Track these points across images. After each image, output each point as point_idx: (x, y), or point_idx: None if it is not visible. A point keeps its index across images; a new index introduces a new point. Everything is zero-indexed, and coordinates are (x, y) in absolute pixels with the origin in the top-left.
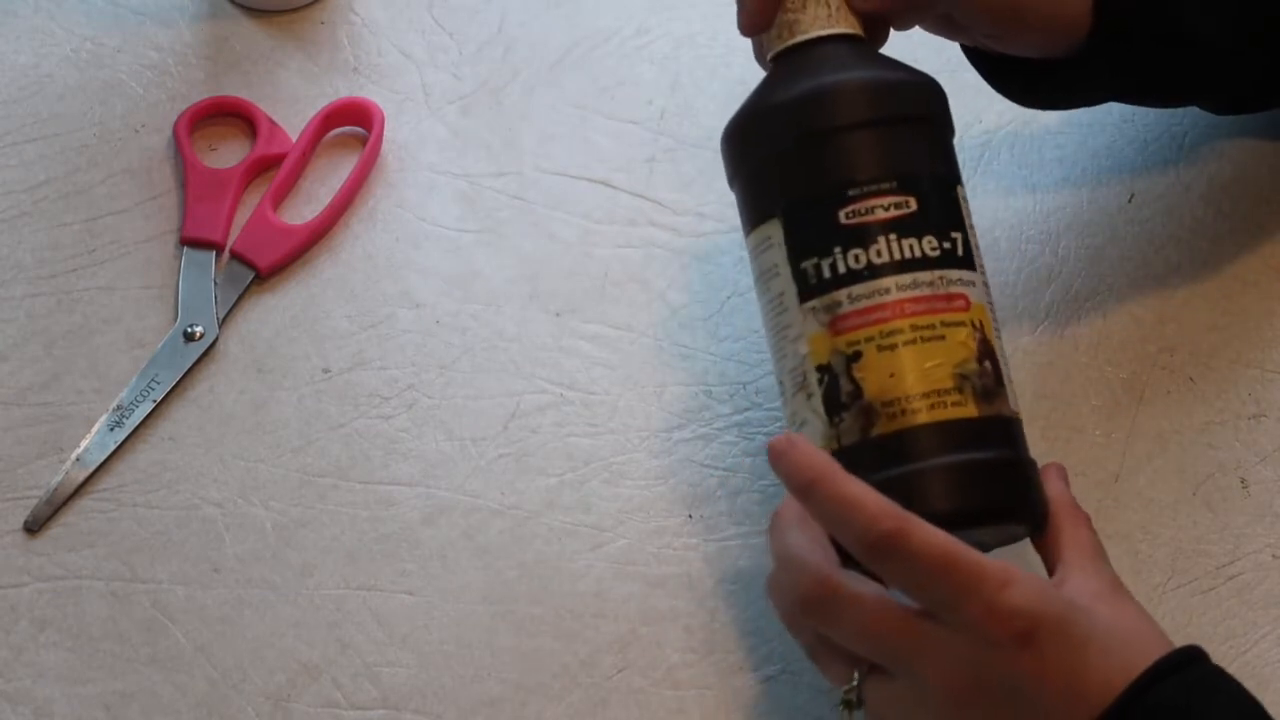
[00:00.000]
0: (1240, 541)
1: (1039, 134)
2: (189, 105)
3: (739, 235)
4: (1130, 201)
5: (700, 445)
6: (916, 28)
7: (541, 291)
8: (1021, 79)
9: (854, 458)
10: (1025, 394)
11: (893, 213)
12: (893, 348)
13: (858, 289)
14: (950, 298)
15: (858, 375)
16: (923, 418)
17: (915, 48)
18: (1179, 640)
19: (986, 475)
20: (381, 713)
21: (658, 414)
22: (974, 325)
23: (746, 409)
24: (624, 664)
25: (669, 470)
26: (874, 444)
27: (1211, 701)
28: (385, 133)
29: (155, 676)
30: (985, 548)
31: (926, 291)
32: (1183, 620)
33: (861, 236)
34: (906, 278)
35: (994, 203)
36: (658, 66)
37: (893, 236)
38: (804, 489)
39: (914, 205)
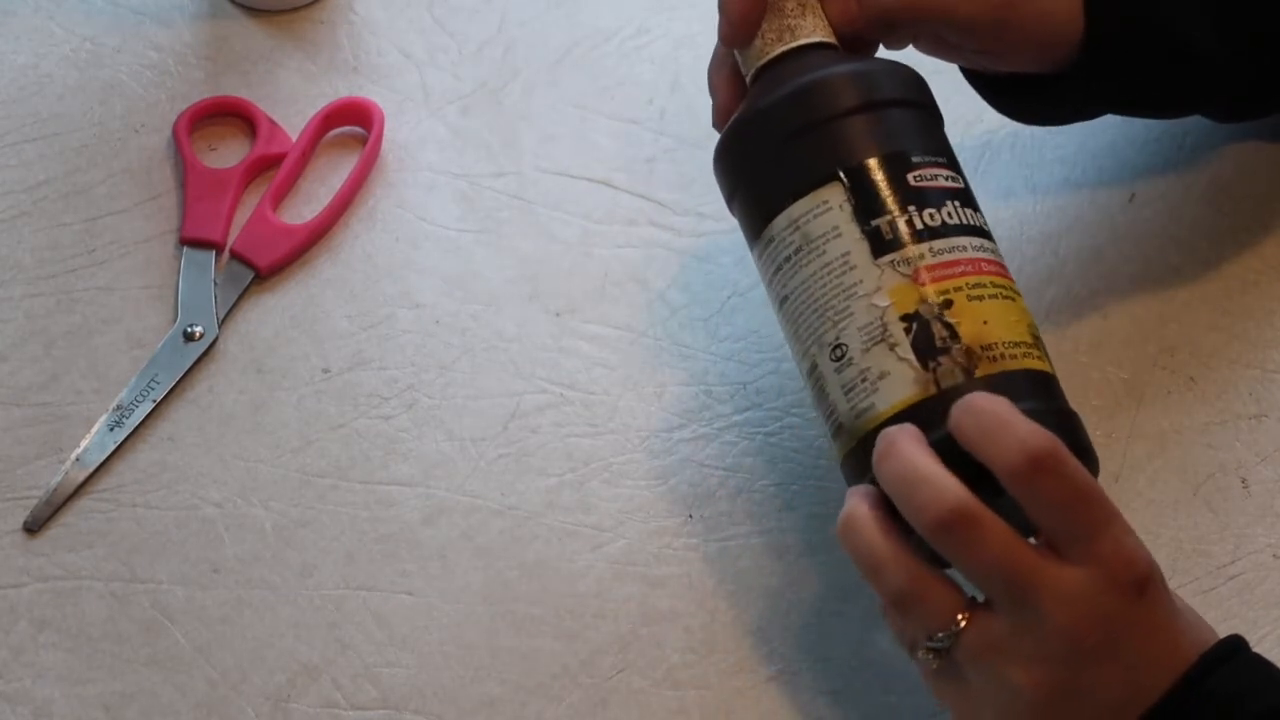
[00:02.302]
0: (1241, 542)
1: (1039, 134)
2: (189, 105)
3: (739, 235)
4: (1131, 202)
5: (700, 445)
6: (910, 49)
7: (541, 291)
8: (1018, 96)
9: (955, 399)
10: None
11: (950, 184)
12: (980, 299)
13: (938, 244)
14: (1005, 268)
15: (952, 320)
16: (1020, 364)
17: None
18: None
19: (1077, 424)
20: (381, 713)
21: (658, 414)
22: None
23: (746, 409)
24: (624, 664)
25: (669, 470)
26: (979, 385)
27: (1260, 689)
28: (385, 133)
29: (155, 677)
30: (1027, 529)
31: (991, 256)
32: None
33: (931, 198)
34: (976, 240)
35: (994, 203)
36: (658, 66)
37: (956, 203)
38: (963, 404)
39: (961, 183)
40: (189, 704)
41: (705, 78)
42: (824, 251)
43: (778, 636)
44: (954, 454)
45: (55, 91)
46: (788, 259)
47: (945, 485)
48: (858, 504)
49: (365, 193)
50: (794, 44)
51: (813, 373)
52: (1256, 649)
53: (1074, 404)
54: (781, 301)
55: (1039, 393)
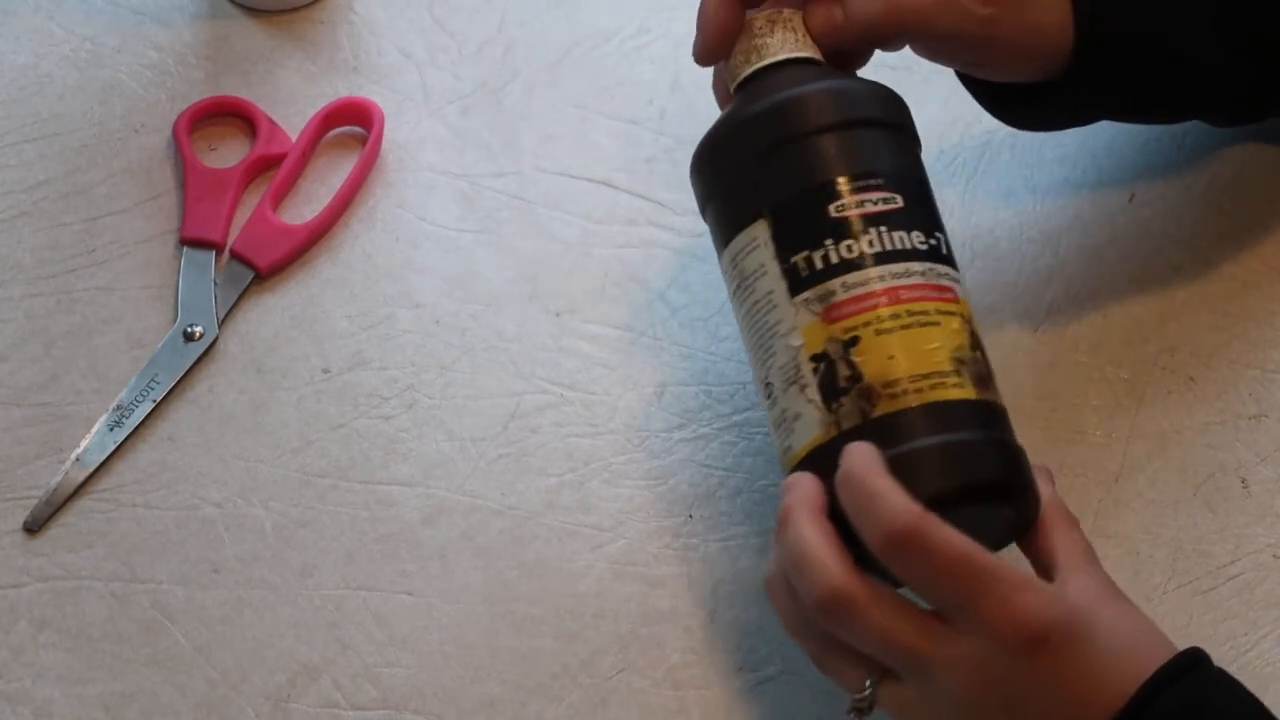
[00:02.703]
0: (1241, 542)
1: (1039, 134)
2: (189, 105)
3: None
4: (1131, 201)
5: (700, 445)
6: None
7: (541, 291)
8: (1012, 103)
9: (854, 441)
10: (1026, 394)
11: (882, 207)
12: (890, 331)
13: (851, 278)
14: (941, 289)
15: (856, 359)
16: (926, 397)
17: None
18: (1180, 642)
19: (990, 452)
20: (381, 713)
21: (658, 414)
22: (964, 318)
23: (746, 409)
24: (624, 664)
25: (669, 470)
26: (875, 425)
27: (1217, 705)
28: (385, 133)
29: (155, 677)
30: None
31: (919, 280)
32: (1183, 621)
33: (853, 228)
34: (899, 266)
35: (994, 203)
36: (658, 66)
37: (883, 229)
38: (839, 477)
39: (901, 202)
40: (189, 704)
41: (706, 77)
42: (754, 290)
43: (778, 636)
44: None
45: (55, 91)
46: (733, 293)
47: (825, 567)
48: (774, 569)
49: (365, 193)
50: (760, 64)
51: (763, 406)
52: (1256, 649)
53: (1073, 404)
54: (740, 332)
55: (945, 425)
